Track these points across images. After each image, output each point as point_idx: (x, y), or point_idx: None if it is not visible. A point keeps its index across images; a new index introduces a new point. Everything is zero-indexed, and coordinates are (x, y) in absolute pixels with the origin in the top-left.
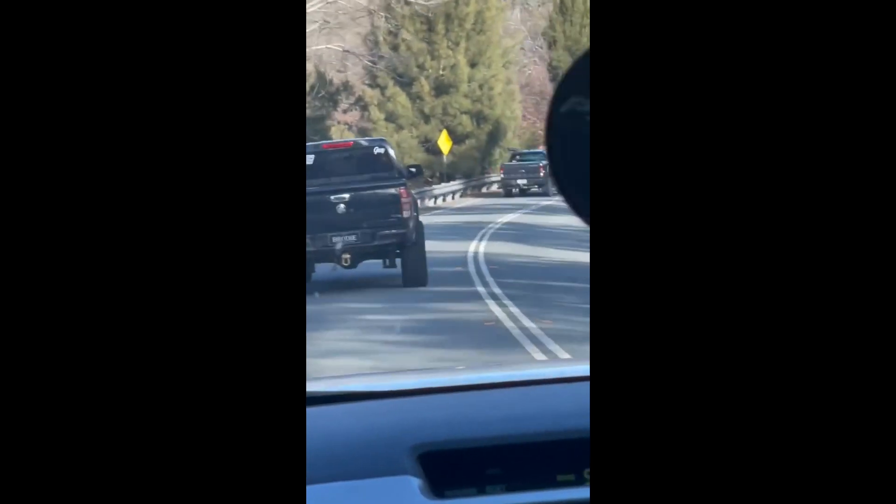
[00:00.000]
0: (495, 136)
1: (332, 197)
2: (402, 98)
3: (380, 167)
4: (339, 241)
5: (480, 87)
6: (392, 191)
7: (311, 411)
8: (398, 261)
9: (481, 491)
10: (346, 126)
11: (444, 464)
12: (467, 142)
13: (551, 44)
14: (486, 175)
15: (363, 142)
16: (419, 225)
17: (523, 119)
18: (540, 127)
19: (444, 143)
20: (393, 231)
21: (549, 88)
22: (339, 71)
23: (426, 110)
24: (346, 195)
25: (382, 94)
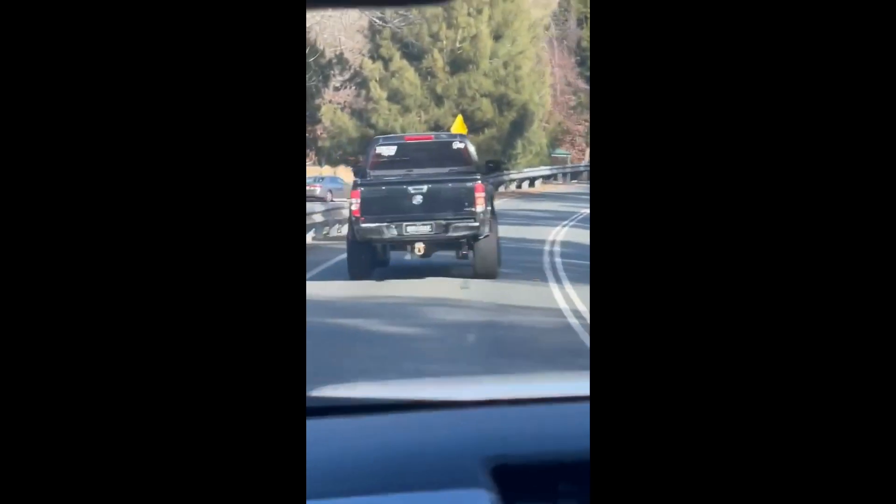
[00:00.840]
0: (520, 126)
1: (411, 188)
2: (410, 74)
3: (458, 161)
4: (413, 231)
5: (505, 65)
6: (468, 184)
7: (354, 421)
8: (471, 253)
9: None
10: (339, 106)
11: (516, 478)
12: (486, 131)
13: (581, 21)
14: (505, 172)
15: (443, 136)
16: (493, 219)
17: None
18: (564, 120)
19: (459, 130)
20: (467, 223)
21: (575, 75)
22: (331, 46)
23: (438, 90)
24: (424, 187)
25: (385, 67)
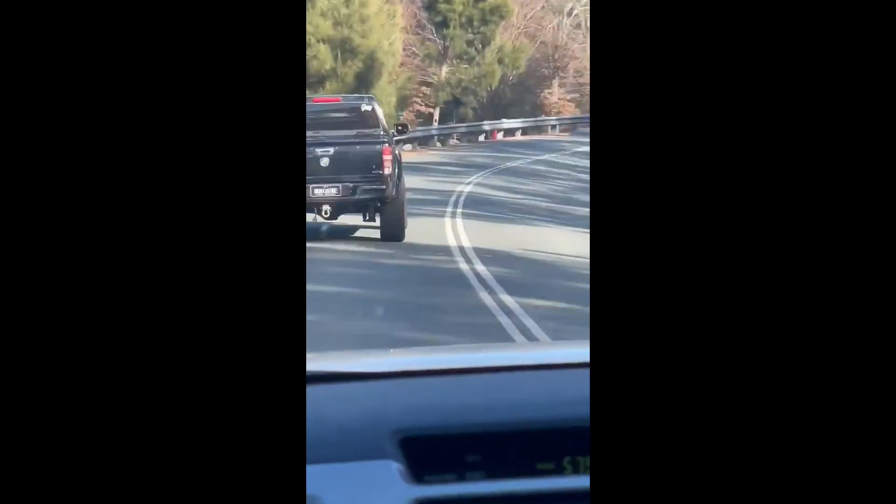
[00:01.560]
0: (365, 79)
1: (318, 150)
2: None
3: (366, 124)
4: (320, 193)
5: (347, 2)
6: (376, 147)
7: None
8: (378, 216)
9: (461, 477)
10: None
11: (425, 449)
12: (327, 84)
13: None
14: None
15: (352, 98)
16: (400, 182)
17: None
18: (414, 74)
19: None
20: (373, 187)
21: (425, 18)
22: None
23: None
24: (331, 149)
25: None
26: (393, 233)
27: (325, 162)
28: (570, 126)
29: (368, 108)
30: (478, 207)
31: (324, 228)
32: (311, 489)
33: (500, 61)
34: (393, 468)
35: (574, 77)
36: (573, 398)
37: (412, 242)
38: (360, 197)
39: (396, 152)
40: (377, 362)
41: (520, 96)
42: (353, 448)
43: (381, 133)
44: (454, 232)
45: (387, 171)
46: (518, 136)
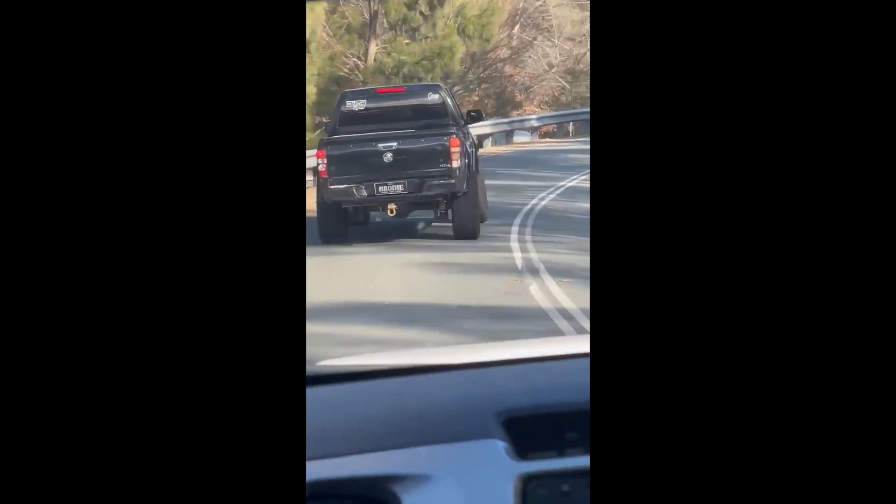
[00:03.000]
0: None
1: (381, 145)
2: None
3: (434, 113)
4: (385, 191)
5: None
6: (443, 139)
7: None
8: (450, 212)
9: (560, 454)
10: None
11: (527, 429)
12: None
13: None
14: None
15: (417, 87)
16: (473, 175)
17: None
18: None
19: None
20: (441, 182)
21: None
22: None
23: None
24: (395, 143)
25: None
26: (466, 230)
27: (388, 157)
28: (564, 124)
29: (436, 96)
30: None
31: (377, 219)
32: (423, 469)
33: (461, 31)
34: (499, 446)
35: (563, 51)
36: None
37: None
38: (428, 193)
39: (468, 144)
40: (467, 353)
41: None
42: (459, 429)
43: (451, 123)
44: None
45: (455, 164)
46: (489, 147)
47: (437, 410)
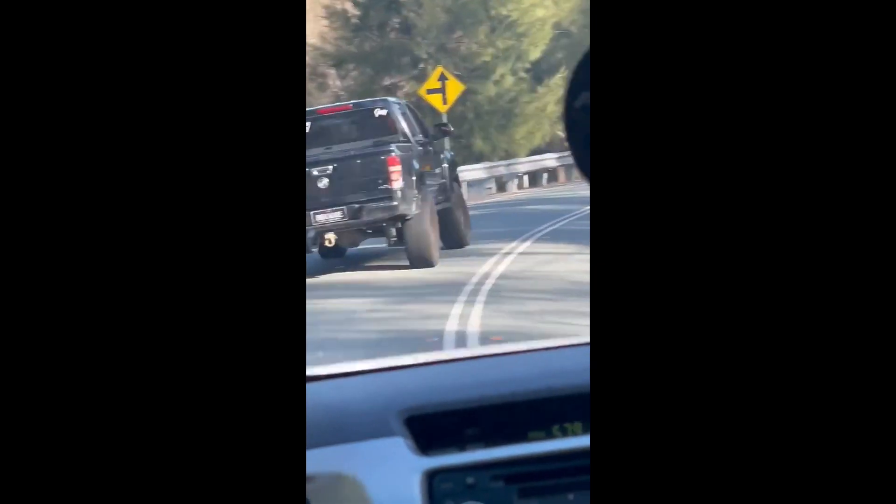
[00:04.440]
0: None
1: (315, 170)
2: None
3: (383, 131)
4: (322, 220)
5: None
6: (380, 158)
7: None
8: (402, 238)
9: (461, 449)
10: None
11: (428, 426)
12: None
13: None
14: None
15: (365, 103)
16: (423, 196)
17: None
18: None
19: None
20: (381, 205)
21: None
22: None
23: None
24: (329, 167)
25: None
26: (420, 258)
27: (323, 183)
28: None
29: (383, 111)
30: None
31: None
32: (331, 467)
33: None
34: (401, 444)
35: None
36: (559, 371)
37: None
38: (368, 218)
39: (418, 161)
40: (376, 362)
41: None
42: (365, 428)
43: (401, 140)
44: None
45: (395, 185)
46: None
47: (343, 411)
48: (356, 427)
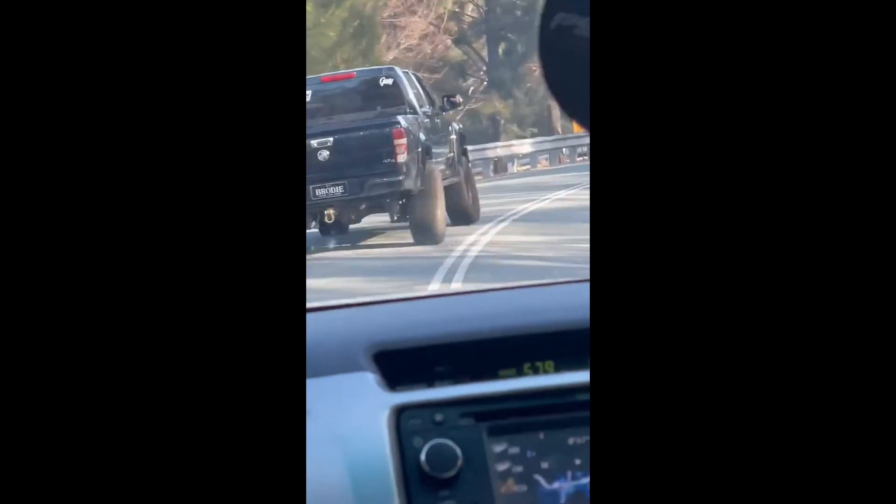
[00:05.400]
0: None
1: (314, 142)
2: None
3: (388, 101)
4: (323, 194)
5: None
6: (385, 130)
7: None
8: (407, 214)
9: (430, 385)
10: None
11: (397, 362)
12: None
13: None
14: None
15: (368, 71)
16: (429, 170)
17: None
18: None
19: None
20: (385, 180)
21: None
22: None
23: None
24: (330, 139)
25: None
26: (425, 234)
27: (323, 155)
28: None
29: (389, 80)
30: None
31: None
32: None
33: None
34: (370, 379)
35: None
36: (532, 309)
37: None
38: (370, 194)
39: (425, 133)
40: (347, 300)
41: None
42: (333, 364)
43: (406, 111)
44: None
45: (400, 158)
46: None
47: (311, 345)
48: (324, 361)
